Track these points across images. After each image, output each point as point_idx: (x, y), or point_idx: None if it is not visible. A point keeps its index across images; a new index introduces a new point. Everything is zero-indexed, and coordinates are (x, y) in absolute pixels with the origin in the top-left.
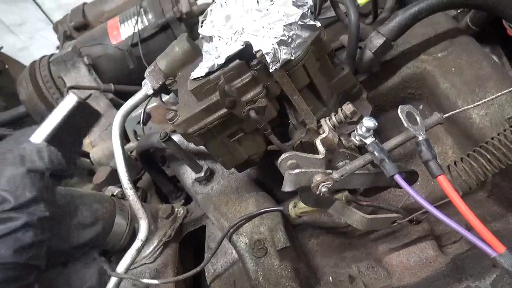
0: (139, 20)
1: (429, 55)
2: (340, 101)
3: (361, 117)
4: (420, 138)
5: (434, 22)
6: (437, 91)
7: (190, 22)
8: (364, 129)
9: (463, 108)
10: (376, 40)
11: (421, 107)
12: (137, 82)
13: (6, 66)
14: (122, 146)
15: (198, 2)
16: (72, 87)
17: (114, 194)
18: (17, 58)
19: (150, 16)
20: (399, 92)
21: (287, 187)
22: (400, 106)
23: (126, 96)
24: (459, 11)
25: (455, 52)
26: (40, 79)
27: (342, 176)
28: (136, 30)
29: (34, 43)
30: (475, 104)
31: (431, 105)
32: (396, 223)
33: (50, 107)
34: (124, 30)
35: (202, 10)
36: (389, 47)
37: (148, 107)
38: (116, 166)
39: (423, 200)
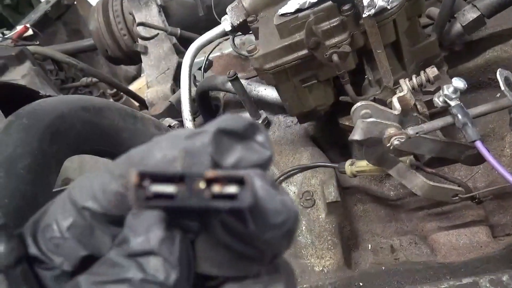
0: None
1: None
2: (418, 69)
3: (438, 88)
4: None
5: None
6: None
7: None
8: (451, 89)
9: None
10: (470, 14)
11: (498, 95)
12: (202, 33)
13: (75, 2)
14: (190, 76)
15: None
16: (141, 23)
17: (171, 125)
18: None
19: None
20: (479, 75)
21: (356, 135)
22: (499, 69)
23: (189, 44)
24: None
25: None
26: (111, 13)
27: (417, 133)
28: None
29: None
30: None
31: None
32: (457, 197)
33: (116, 42)
34: None
35: None
36: (482, 24)
37: (211, 55)
38: (180, 98)
39: (503, 168)
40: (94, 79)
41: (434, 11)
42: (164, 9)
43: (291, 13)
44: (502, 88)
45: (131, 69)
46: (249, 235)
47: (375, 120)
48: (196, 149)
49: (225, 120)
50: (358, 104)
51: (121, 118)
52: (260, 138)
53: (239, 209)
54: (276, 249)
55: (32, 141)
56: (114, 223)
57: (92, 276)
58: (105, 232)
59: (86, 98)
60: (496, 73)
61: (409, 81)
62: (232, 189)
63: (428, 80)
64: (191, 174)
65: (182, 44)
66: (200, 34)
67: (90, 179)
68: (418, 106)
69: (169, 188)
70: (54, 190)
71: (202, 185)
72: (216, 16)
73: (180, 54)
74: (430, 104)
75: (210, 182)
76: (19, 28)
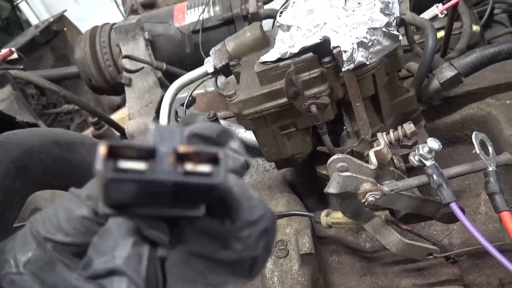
0: (206, 9)
1: (496, 100)
2: (397, 123)
3: (415, 143)
4: (490, 168)
5: (506, 70)
6: (499, 137)
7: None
8: (426, 149)
9: None
10: (447, 72)
11: (474, 151)
12: (188, 68)
13: (65, 29)
14: (169, 116)
15: (265, 7)
16: (127, 56)
17: None
18: None
19: (217, 8)
20: (455, 131)
21: (331, 188)
22: (474, 132)
23: (174, 79)
24: None
25: None
26: (98, 43)
27: (392, 190)
28: (201, 18)
29: (93, 16)
30: None
31: None
32: (431, 256)
33: (100, 72)
34: (189, 16)
35: (268, 15)
36: (459, 82)
37: (194, 92)
38: None
39: (477, 232)
40: (76, 107)
41: (413, 66)
42: (151, 44)
43: (272, 61)
44: (477, 151)
45: (116, 97)
46: (225, 234)
47: (350, 174)
48: (168, 128)
49: (198, 126)
50: (335, 156)
51: (95, 154)
52: (233, 144)
53: (212, 185)
54: (254, 251)
55: None
56: (80, 255)
57: None
58: (68, 266)
59: (58, 132)
60: (472, 129)
61: (386, 135)
62: (205, 167)
63: (405, 135)
64: (163, 147)
65: (167, 78)
66: (187, 70)
67: (54, 208)
68: (395, 161)
69: (139, 165)
70: (15, 225)
71: (174, 160)
72: (202, 54)
73: (165, 88)
74: (407, 158)
75: (182, 159)
76: (4, 51)
